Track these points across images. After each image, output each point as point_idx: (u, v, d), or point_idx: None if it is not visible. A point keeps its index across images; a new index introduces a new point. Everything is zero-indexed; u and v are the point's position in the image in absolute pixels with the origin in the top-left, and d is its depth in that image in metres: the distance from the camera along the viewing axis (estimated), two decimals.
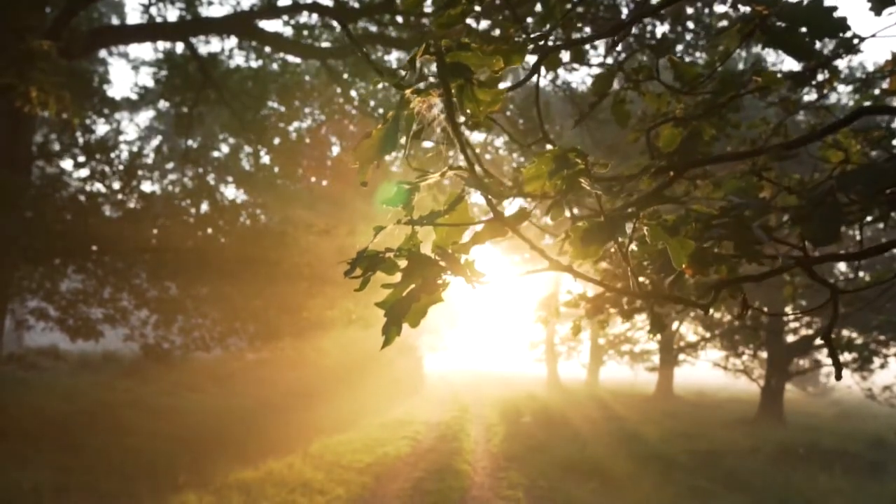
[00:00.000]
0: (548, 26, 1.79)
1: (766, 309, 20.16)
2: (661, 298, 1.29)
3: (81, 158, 13.33)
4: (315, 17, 13.97)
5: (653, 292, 1.21)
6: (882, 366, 18.86)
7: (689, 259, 1.10)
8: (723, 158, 1.70)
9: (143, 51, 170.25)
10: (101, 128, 19.39)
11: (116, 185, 13.50)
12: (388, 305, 1.15)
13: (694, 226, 1.14)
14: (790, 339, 21.22)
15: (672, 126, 1.75)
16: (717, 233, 1.13)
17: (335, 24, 13.95)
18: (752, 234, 1.11)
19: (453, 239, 1.21)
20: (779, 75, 1.80)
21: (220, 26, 12.62)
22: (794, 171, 3.42)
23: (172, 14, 14.91)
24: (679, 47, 9.54)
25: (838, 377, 1.11)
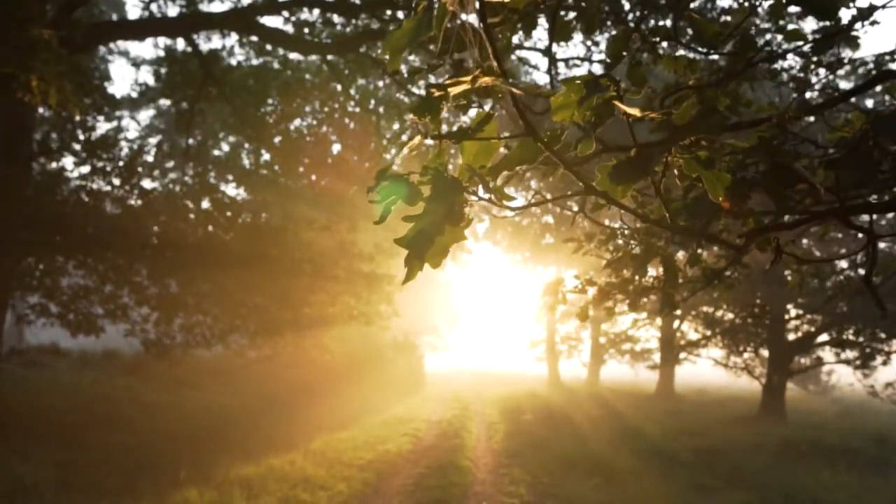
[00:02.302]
0: None
1: (768, 307, 20.13)
2: (695, 236, 1.25)
3: (82, 155, 13.31)
4: (316, 12, 13.93)
5: (687, 228, 1.17)
6: (884, 362, 18.82)
7: (726, 192, 1.06)
8: (741, 126, 1.65)
9: (144, 49, 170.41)
10: (103, 125, 19.39)
11: (117, 182, 13.48)
12: (410, 240, 1.09)
13: (728, 160, 1.10)
14: (791, 337, 21.18)
15: (686, 97, 1.71)
16: (751, 173, 1.09)
17: (336, 19, 13.92)
18: (789, 170, 1.06)
19: (481, 162, 1.16)
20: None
21: (220, 22, 12.59)
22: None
23: (173, 11, 14.89)
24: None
25: (883, 316, 1.07)
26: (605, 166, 1.14)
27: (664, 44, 1.84)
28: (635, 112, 1.03)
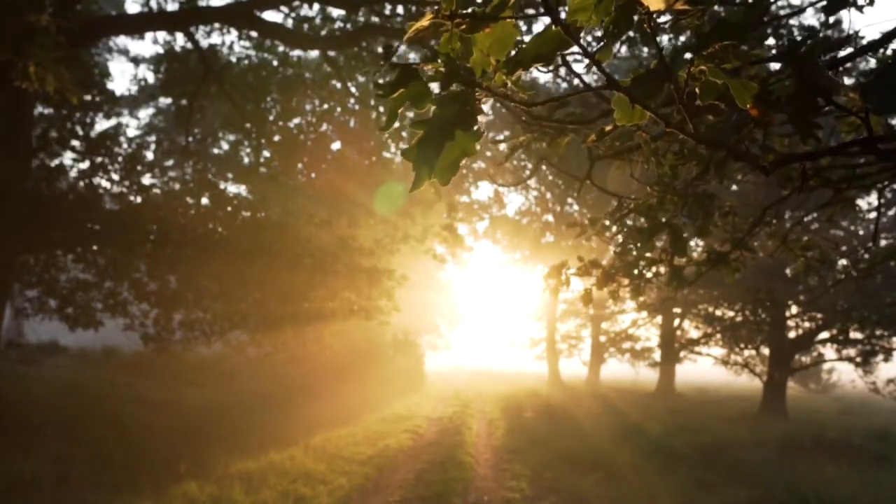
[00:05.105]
0: None
1: (768, 304, 20.08)
2: (719, 148, 1.20)
3: (82, 151, 13.26)
4: (316, 7, 13.91)
5: (714, 139, 1.13)
6: (885, 359, 18.80)
7: (753, 99, 1.01)
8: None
9: (144, 47, 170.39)
10: (102, 122, 19.39)
11: (116, 178, 13.43)
12: (416, 146, 1.02)
13: (753, 70, 1.05)
14: (792, 334, 21.14)
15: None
16: (777, 93, 1.04)
17: (335, 15, 13.90)
18: (818, 89, 1.01)
19: (496, 55, 1.09)
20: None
21: (219, 16, 12.56)
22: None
23: (172, 6, 14.88)
24: None
25: None
26: (624, 81, 1.09)
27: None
28: (659, 3, 0.97)
